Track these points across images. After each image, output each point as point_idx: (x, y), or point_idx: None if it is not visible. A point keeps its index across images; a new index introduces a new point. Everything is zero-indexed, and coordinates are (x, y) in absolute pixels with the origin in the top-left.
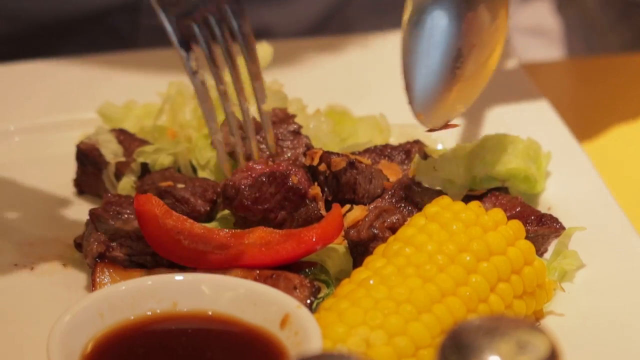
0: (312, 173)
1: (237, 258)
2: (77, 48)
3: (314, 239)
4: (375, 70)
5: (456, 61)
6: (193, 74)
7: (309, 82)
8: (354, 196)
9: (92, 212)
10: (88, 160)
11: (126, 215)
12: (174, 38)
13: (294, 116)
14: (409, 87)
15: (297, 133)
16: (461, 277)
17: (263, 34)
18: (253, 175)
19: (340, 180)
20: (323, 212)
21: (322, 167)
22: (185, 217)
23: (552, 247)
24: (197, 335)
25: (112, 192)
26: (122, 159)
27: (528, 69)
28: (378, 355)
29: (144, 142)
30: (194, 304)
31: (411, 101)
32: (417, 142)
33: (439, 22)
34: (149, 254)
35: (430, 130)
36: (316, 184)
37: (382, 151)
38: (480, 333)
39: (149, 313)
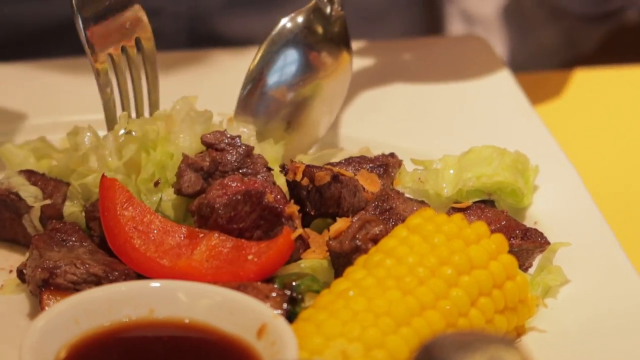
0: (294, 188)
1: (181, 273)
2: (65, 53)
3: (252, 274)
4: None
5: (288, 127)
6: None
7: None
8: (338, 210)
9: (36, 239)
10: (5, 205)
11: (71, 243)
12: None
13: (238, 136)
14: None
15: (247, 155)
16: (441, 290)
17: (248, 41)
18: (228, 193)
19: (325, 194)
20: (300, 229)
21: (305, 181)
22: (148, 208)
23: (537, 262)
24: (173, 343)
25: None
26: (48, 201)
27: (518, 79)
28: None
29: (59, 182)
30: (171, 311)
31: None
32: (392, 155)
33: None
34: (93, 282)
35: None
36: (292, 201)
37: (359, 163)
38: (453, 348)
39: (125, 319)
